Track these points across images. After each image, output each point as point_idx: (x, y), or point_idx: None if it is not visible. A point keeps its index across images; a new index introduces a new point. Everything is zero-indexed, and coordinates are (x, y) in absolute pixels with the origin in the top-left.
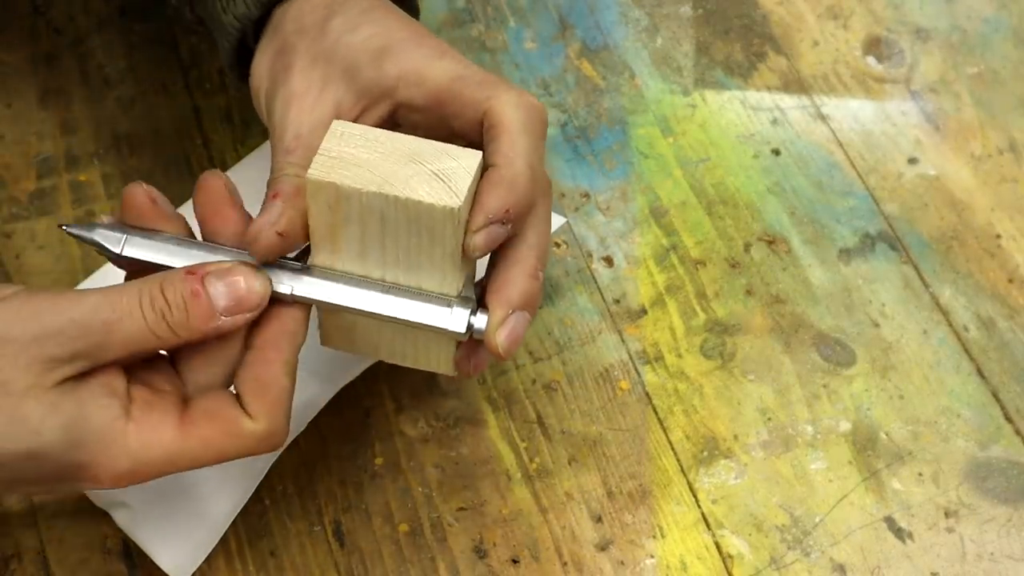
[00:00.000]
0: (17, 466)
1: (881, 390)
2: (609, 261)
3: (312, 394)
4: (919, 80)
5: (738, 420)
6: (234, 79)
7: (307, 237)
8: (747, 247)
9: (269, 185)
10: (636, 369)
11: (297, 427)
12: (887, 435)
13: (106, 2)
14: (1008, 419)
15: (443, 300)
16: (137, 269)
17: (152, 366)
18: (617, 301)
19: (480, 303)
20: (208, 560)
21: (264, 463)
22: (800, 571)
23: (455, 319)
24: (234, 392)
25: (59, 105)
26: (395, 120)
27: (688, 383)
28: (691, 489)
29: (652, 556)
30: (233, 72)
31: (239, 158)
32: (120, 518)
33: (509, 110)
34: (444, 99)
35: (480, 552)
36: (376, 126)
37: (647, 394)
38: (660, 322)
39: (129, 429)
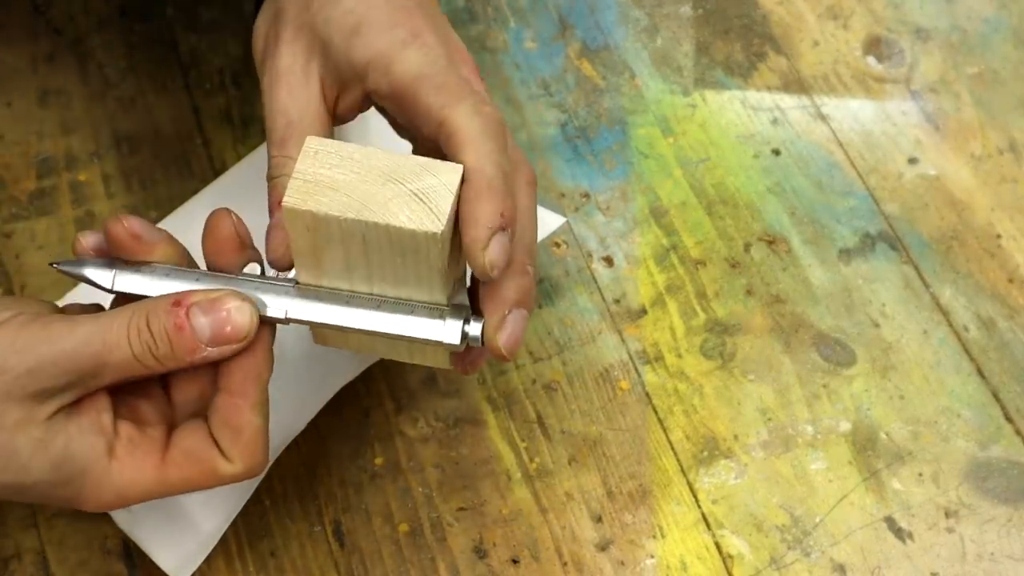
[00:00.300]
0: (5, 493)
1: (881, 390)
2: (609, 261)
3: (303, 404)
4: (919, 80)
5: (738, 420)
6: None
7: None
8: (747, 247)
9: (269, 183)
10: (636, 369)
11: (289, 435)
12: (887, 435)
13: (106, 2)
14: (1008, 419)
15: (435, 312)
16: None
17: (141, 388)
18: (617, 301)
19: (473, 307)
20: (208, 560)
21: None
22: (800, 571)
23: (448, 331)
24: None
25: (59, 105)
26: (370, 104)
27: (688, 383)
28: (691, 489)
29: (652, 556)
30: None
31: (239, 158)
32: (120, 518)
33: (465, 120)
34: (405, 98)
35: (480, 552)
36: (357, 108)
37: (647, 394)
38: (660, 322)
39: (113, 467)
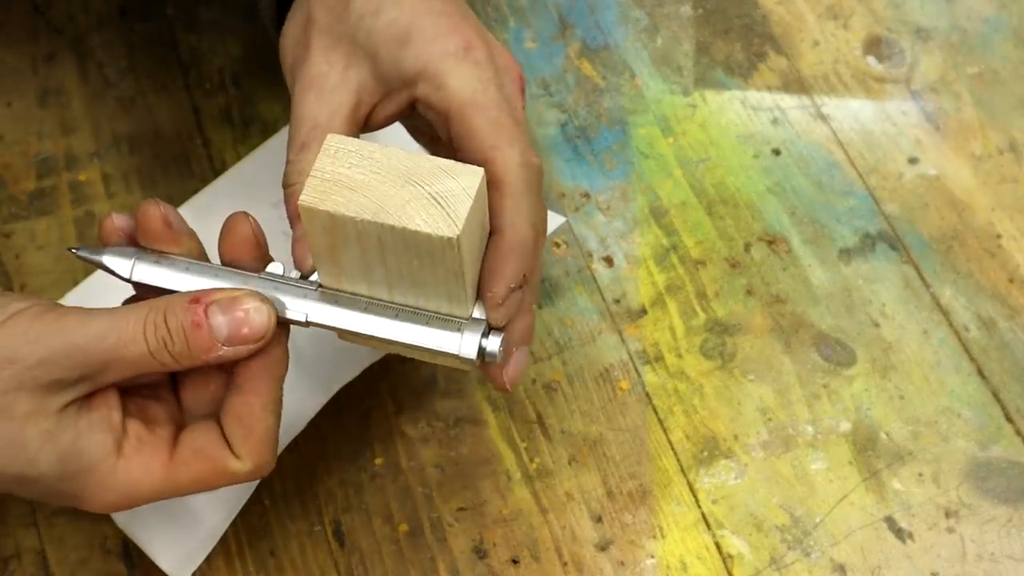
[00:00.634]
0: (9, 485)
1: (881, 390)
2: (609, 261)
3: (303, 403)
4: (919, 80)
5: (738, 420)
6: (274, 35)
7: None
8: (747, 247)
9: (285, 191)
10: (636, 369)
11: (289, 435)
12: (887, 435)
13: (106, 2)
14: (1008, 419)
15: (453, 324)
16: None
17: (151, 389)
18: (617, 301)
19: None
20: (208, 560)
21: None
22: (800, 571)
23: (466, 345)
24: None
25: (59, 105)
26: (415, 109)
27: (688, 383)
28: (691, 489)
29: (652, 556)
30: (274, 29)
31: (239, 158)
32: (120, 518)
33: (512, 171)
34: (453, 119)
35: (480, 552)
36: (398, 114)
37: (647, 394)
38: (660, 322)
39: (119, 466)
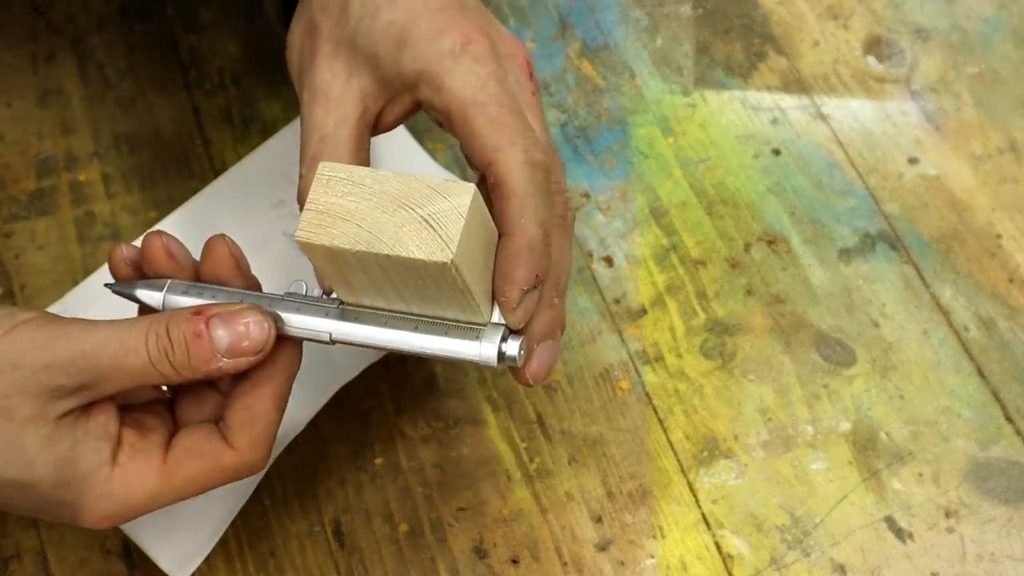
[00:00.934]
0: (6, 491)
1: (881, 390)
2: (609, 261)
3: (303, 404)
4: (919, 80)
5: (738, 420)
6: (279, 30)
7: None
8: (747, 247)
9: (300, 208)
10: (636, 369)
11: (289, 435)
12: (887, 435)
13: (106, 2)
14: (1008, 419)
15: (471, 331)
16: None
17: (147, 405)
18: (617, 301)
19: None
20: (208, 560)
21: None
22: (800, 571)
23: (485, 351)
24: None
25: (59, 105)
26: (419, 109)
27: (688, 383)
28: (691, 489)
29: (652, 556)
30: (279, 24)
31: (238, 158)
32: None
33: (515, 171)
34: (455, 121)
35: (480, 552)
36: (405, 115)
37: (647, 394)
38: (660, 322)
39: (115, 474)
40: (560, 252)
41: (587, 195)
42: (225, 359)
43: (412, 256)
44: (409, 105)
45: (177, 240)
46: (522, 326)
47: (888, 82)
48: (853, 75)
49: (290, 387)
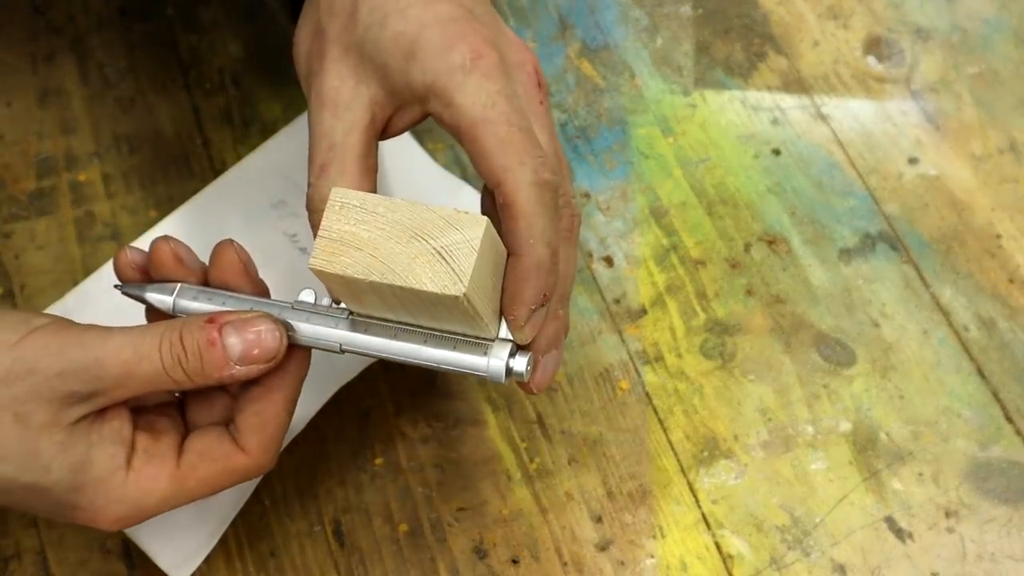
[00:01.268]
0: (20, 494)
1: (881, 390)
2: (609, 261)
3: (303, 404)
4: (919, 80)
5: (738, 420)
6: (283, 21)
7: None
8: (747, 247)
9: (310, 216)
10: (636, 369)
11: (289, 435)
12: (887, 435)
13: (106, 2)
14: (1008, 419)
15: (480, 347)
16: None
17: (159, 406)
18: (617, 301)
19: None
20: (208, 560)
21: None
22: (800, 571)
23: (492, 366)
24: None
25: (59, 105)
26: (427, 116)
27: (688, 383)
28: (691, 489)
29: (652, 556)
30: (287, 20)
31: (239, 158)
32: None
33: (523, 192)
34: (465, 138)
35: (480, 552)
36: (413, 123)
37: (647, 394)
38: (660, 322)
39: (129, 479)
40: (566, 264)
41: (587, 195)
42: (237, 366)
43: (424, 288)
44: (418, 114)
45: (185, 245)
46: (529, 342)
47: (888, 82)
48: (853, 75)
49: (299, 391)
